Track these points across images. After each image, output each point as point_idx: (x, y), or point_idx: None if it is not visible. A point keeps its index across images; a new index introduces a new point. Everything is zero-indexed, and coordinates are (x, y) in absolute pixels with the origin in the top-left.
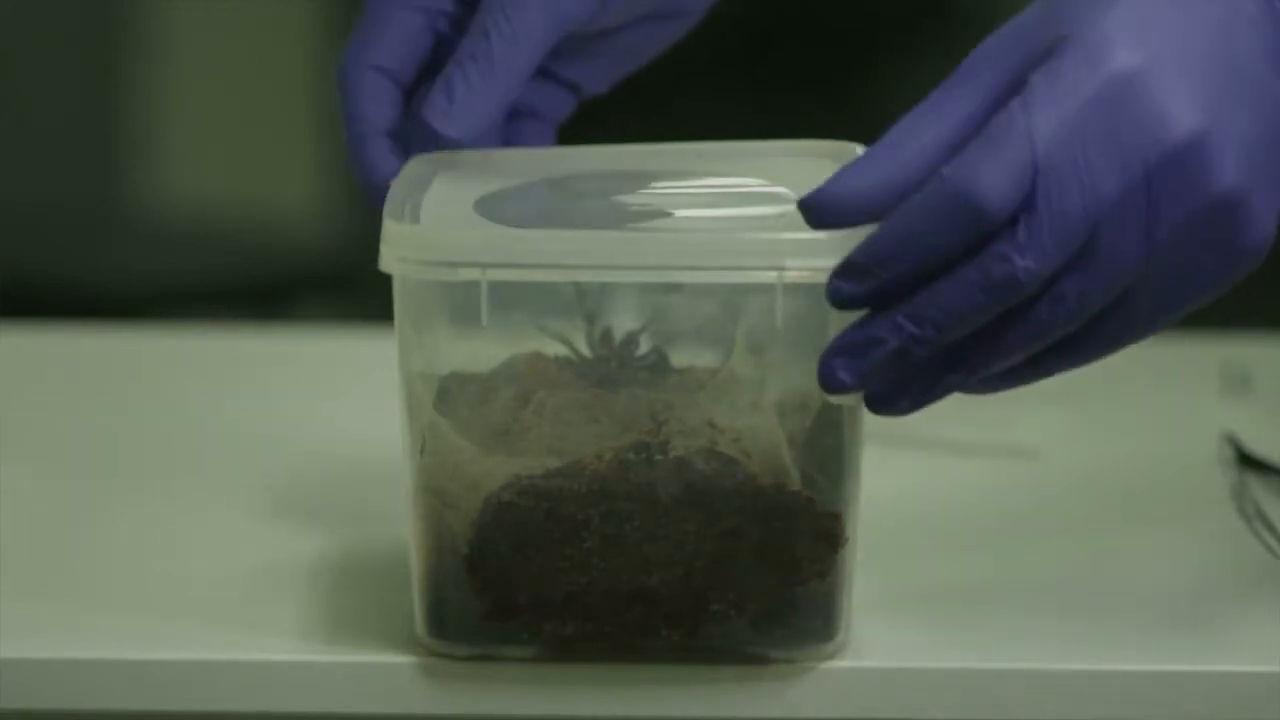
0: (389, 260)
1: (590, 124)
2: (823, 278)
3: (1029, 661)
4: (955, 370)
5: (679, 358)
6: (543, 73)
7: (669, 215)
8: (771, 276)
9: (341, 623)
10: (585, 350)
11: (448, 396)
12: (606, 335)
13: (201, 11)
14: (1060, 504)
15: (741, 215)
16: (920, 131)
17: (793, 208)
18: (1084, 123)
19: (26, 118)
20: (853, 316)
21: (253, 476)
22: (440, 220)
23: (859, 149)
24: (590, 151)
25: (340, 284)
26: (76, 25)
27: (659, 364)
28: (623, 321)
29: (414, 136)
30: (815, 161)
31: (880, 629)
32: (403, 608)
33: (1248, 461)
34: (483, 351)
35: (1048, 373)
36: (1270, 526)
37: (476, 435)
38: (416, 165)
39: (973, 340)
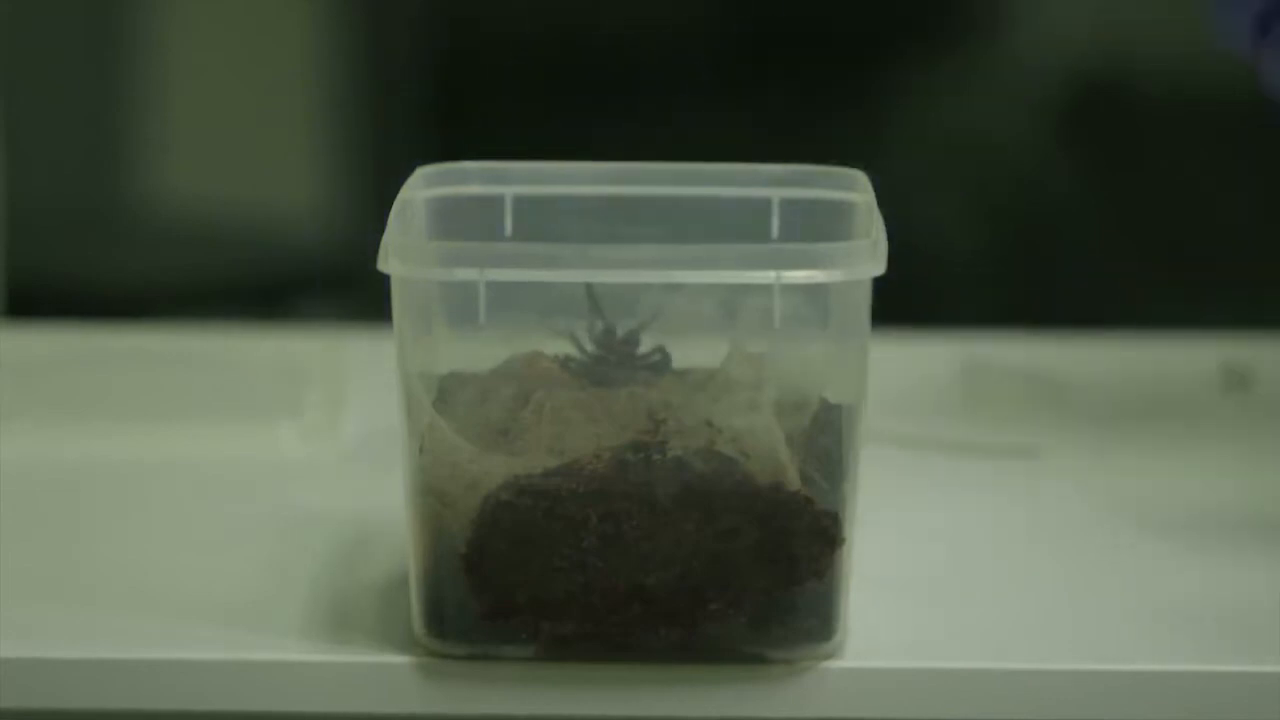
0: (388, 261)
1: (591, 131)
2: (820, 279)
3: (1028, 661)
4: None
5: (678, 358)
6: None
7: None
8: (770, 277)
9: (340, 622)
10: (589, 347)
11: (447, 396)
12: (607, 335)
13: (201, 11)
14: (1060, 504)
15: None
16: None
17: None
18: None
19: (27, 118)
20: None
21: (252, 476)
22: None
23: (860, 177)
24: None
25: (340, 284)
26: (78, 25)
27: (662, 363)
28: (623, 322)
29: None
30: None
31: (878, 629)
32: (401, 607)
33: None
34: (482, 351)
35: None
36: None
37: (475, 435)
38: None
39: None
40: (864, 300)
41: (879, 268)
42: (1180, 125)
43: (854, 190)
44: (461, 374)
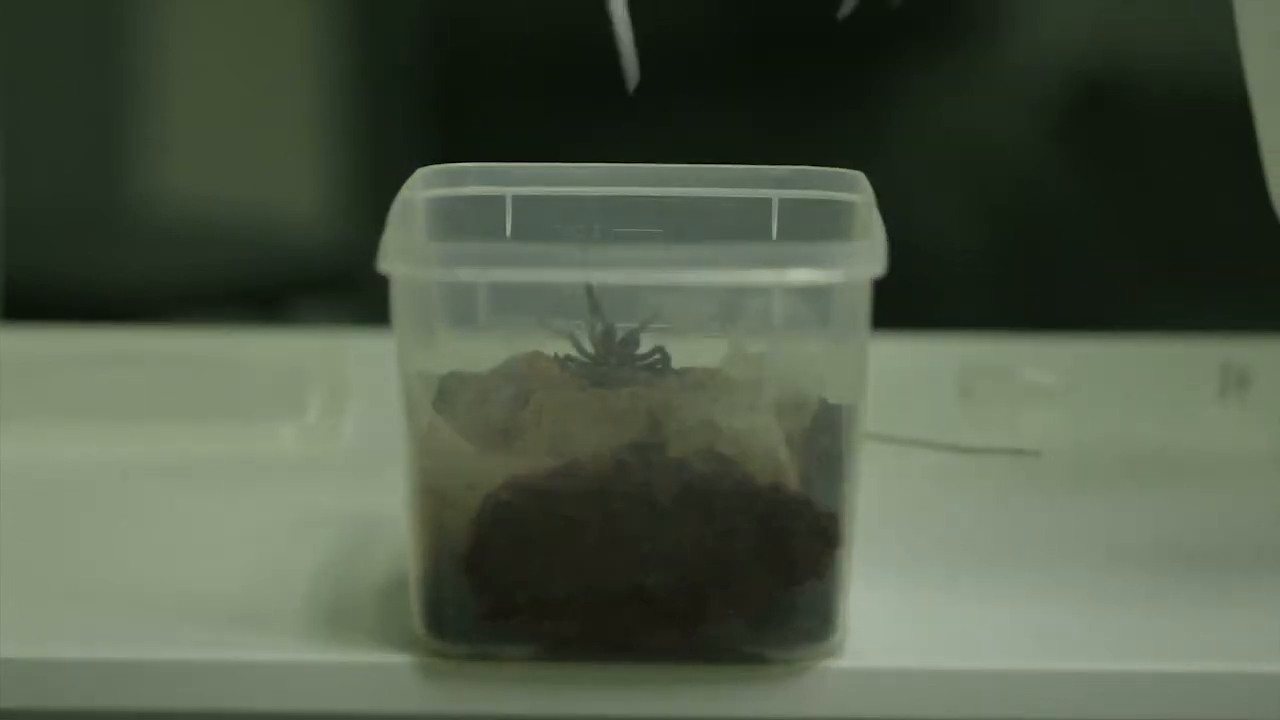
0: (388, 261)
1: (591, 131)
2: (820, 279)
3: (1029, 661)
4: None
5: (678, 358)
6: None
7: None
8: (770, 277)
9: (340, 622)
10: (589, 348)
11: (447, 396)
12: (607, 335)
13: (201, 11)
14: (1060, 504)
15: None
16: None
17: None
18: None
19: (27, 118)
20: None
21: (252, 476)
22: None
23: (860, 177)
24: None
25: (340, 284)
26: (78, 25)
27: (662, 363)
28: (623, 322)
29: None
30: None
31: (878, 629)
32: (401, 607)
33: None
34: (482, 351)
35: None
36: None
37: (475, 435)
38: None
39: None
40: (864, 300)
41: (879, 268)
42: (1180, 125)
43: (854, 190)
44: (461, 374)
